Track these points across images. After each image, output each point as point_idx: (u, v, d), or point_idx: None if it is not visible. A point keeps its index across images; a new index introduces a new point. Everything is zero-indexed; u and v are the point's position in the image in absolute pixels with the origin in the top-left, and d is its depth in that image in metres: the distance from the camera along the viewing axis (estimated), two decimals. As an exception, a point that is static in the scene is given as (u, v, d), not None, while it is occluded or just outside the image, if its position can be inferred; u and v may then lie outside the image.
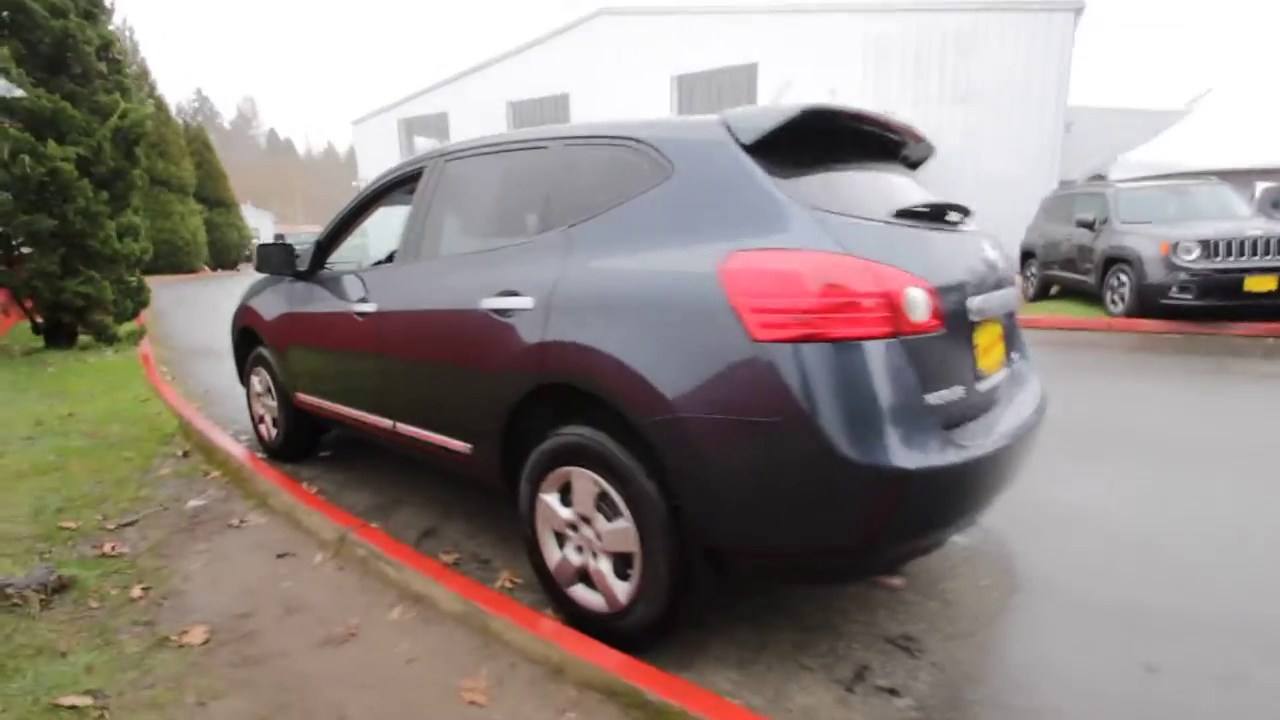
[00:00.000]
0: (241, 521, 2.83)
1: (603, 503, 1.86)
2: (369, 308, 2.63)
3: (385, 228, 3.92)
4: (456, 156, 2.51)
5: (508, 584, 2.32)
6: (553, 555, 2.04)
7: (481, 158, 2.43)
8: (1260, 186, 9.42)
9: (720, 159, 1.71)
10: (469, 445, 2.26)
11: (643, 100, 18.45)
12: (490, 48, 22.28)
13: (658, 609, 1.76)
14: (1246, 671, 1.78)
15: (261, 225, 38.66)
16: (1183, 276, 6.55)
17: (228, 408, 4.93)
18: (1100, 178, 14.12)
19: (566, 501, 1.98)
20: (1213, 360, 5.63)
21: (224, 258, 27.77)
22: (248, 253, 31.06)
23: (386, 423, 2.66)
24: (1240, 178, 8.85)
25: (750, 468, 1.51)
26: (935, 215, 1.89)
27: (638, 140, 1.88)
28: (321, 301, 3.03)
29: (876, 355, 1.48)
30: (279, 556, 2.50)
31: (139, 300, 7.19)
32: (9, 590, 2.10)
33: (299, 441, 3.59)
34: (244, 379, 3.92)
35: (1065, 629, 2.01)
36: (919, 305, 1.53)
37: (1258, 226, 6.64)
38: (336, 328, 2.87)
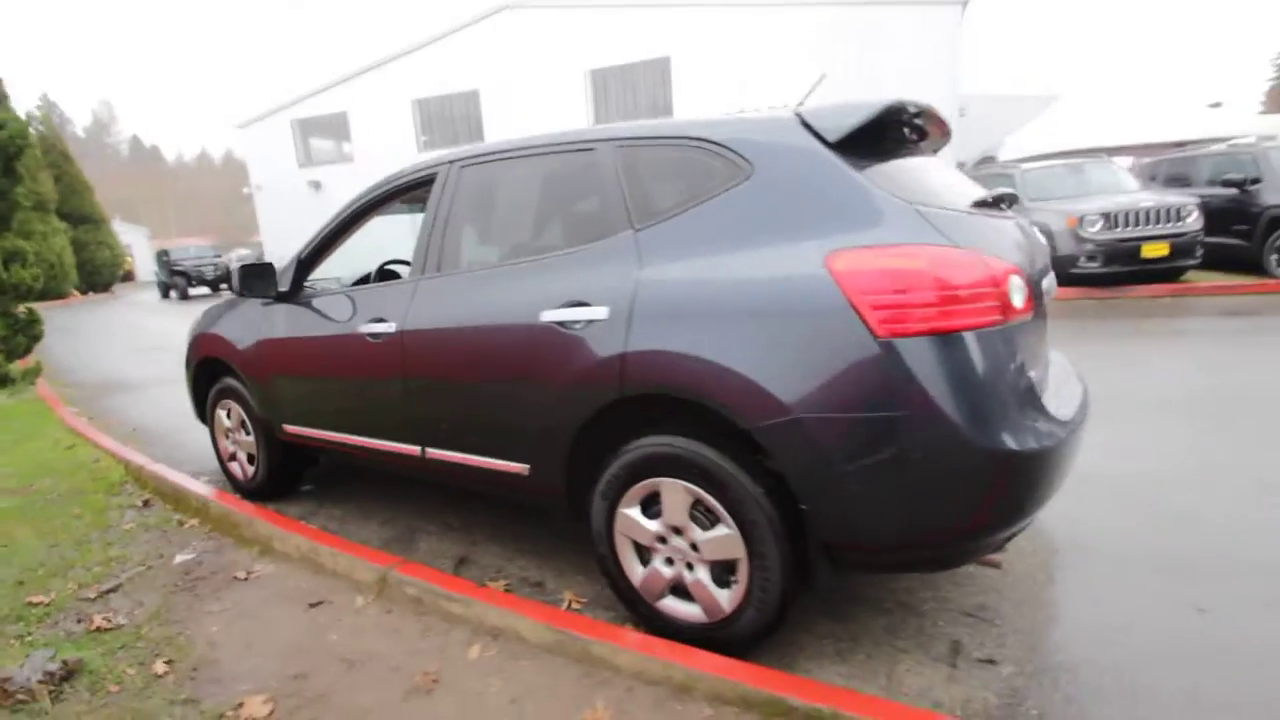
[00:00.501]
0: (249, 573, 2.57)
1: (697, 511, 1.83)
2: (385, 328, 2.44)
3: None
4: (476, 161, 2.37)
5: (574, 604, 2.23)
6: (635, 570, 1.99)
7: (509, 162, 2.30)
8: (1128, 161, 10.49)
9: (806, 158, 1.70)
10: (526, 466, 2.15)
11: (557, 95, 18.22)
12: (388, 43, 21.13)
13: (768, 612, 1.75)
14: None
15: (135, 242, 35.10)
16: (1089, 247, 7.21)
17: (166, 446, 4.46)
18: (990, 159, 15.33)
19: (651, 514, 1.92)
20: (1129, 322, 6.26)
21: (95, 280, 25.10)
22: (123, 272, 28.21)
23: (412, 450, 2.49)
24: (1101, 155, 9.79)
25: (877, 462, 1.53)
26: (995, 203, 1.98)
27: (707, 141, 1.84)
28: (314, 325, 2.79)
29: (991, 342, 1.54)
30: (312, 606, 2.29)
31: (32, 335, 6.33)
32: (9, 687, 1.81)
33: (282, 478, 3.30)
34: (205, 415, 3.56)
35: (1110, 580, 2.17)
36: (1020, 291, 1.60)
37: (1149, 198, 7.42)
38: (340, 352, 2.65)
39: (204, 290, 21.15)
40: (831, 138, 1.70)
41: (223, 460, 3.51)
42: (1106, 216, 7.16)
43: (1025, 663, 1.83)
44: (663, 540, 1.91)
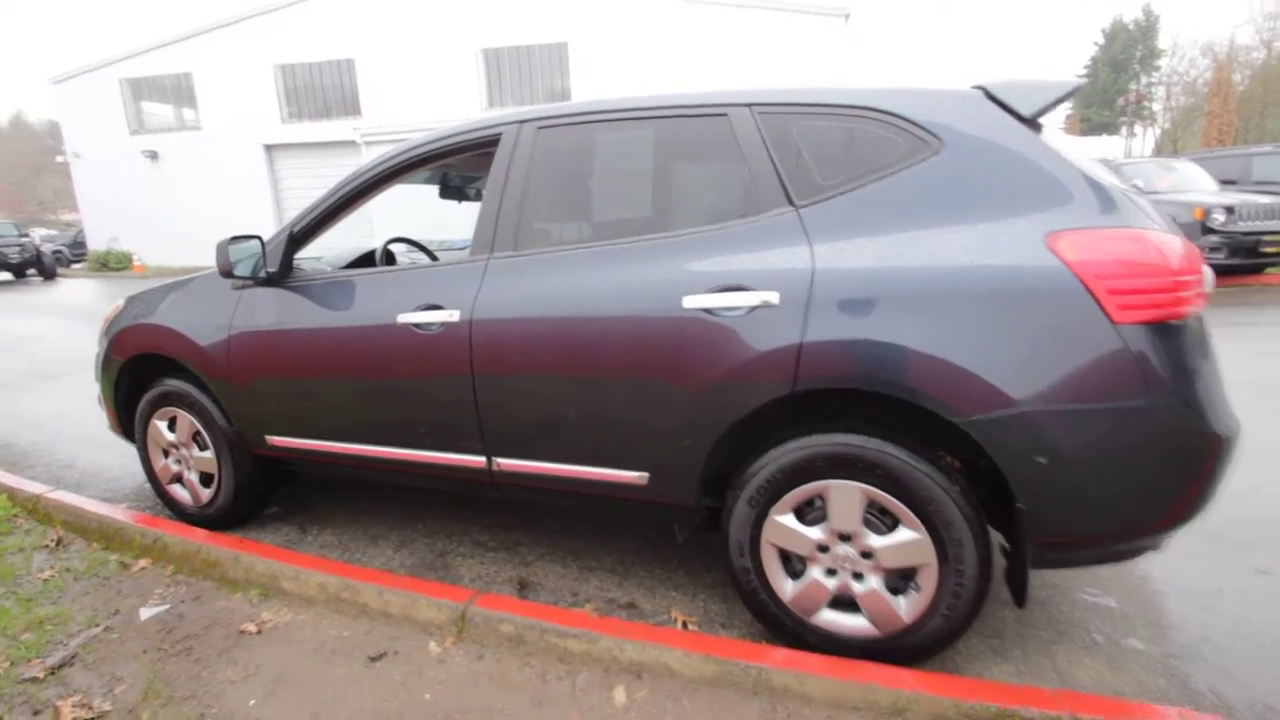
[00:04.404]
0: (259, 624, 2.05)
1: (872, 515, 1.68)
2: (443, 317, 2.04)
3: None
4: (560, 123, 2.03)
5: (687, 625, 2.00)
6: (784, 584, 1.81)
7: (607, 125, 1.99)
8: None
9: (1003, 134, 1.60)
10: (643, 474, 1.89)
11: (445, 71, 17.14)
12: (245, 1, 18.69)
13: (958, 619, 1.64)
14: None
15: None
16: (1215, 239, 7.47)
17: (44, 465, 3.59)
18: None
19: (808, 520, 1.75)
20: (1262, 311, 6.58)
21: None
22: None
23: (474, 462, 2.11)
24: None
25: (1109, 454, 1.46)
26: None
27: (884, 112, 1.68)
28: (320, 314, 2.28)
29: (1201, 328, 1.53)
30: (374, 660, 1.86)
31: None
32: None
33: (250, 500, 2.72)
34: (133, 427, 2.85)
35: (1177, 552, 2.30)
36: (1210, 279, 1.61)
37: (1265, 196, 7.76)
38: (368, 347, 2.19)
39: (6, 276, 17.58)
40: (1026, 113, 1.61)
41: (160, 482, 2.82)
42: (1229, 210, 7.43)
43: (1164, 641, 1.88)
44: (823, 549, 1.74)
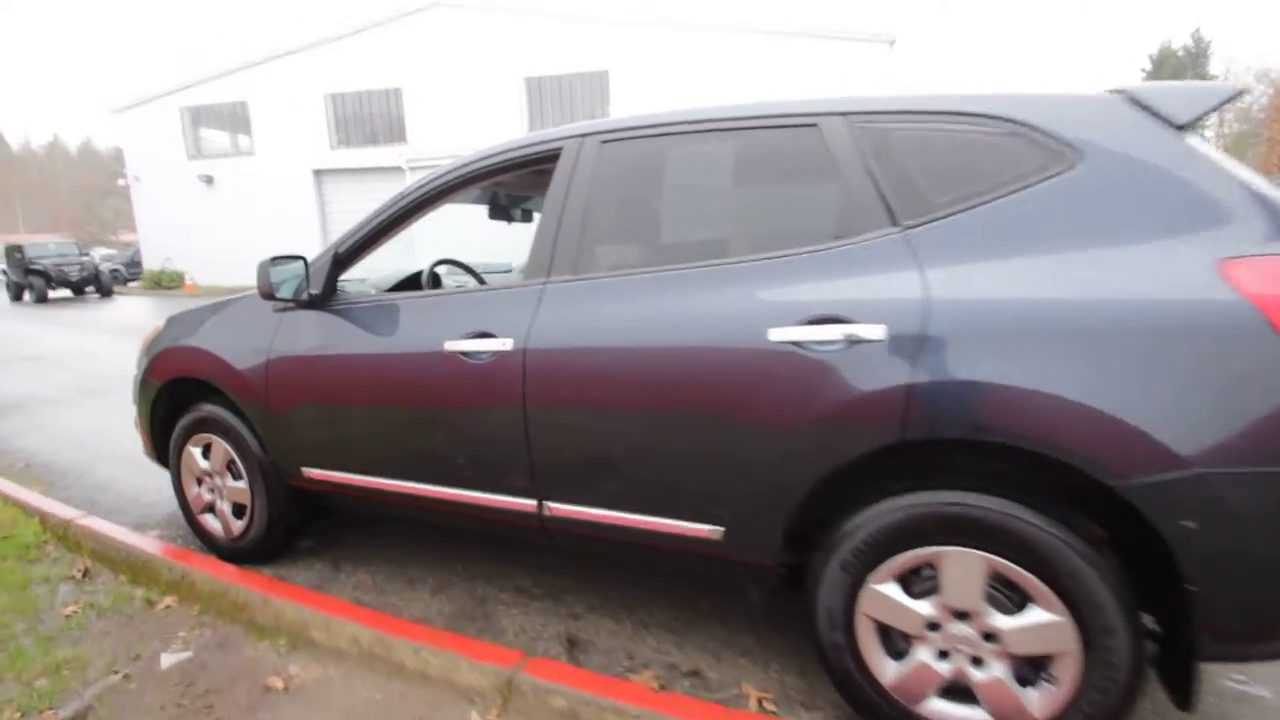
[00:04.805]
0: (286, 680, 1.87)
1: (996, 590, 1.42)
2: (495, 345, 1.86)
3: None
4: (627, 136, 1.86)
5: (764, 705, 1.75)
6: (883, 665, 1.55)
7: (679, 139, 1.81)
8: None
9: (1152, 144, 1.37)
10: (717, 529, 1.66)
11: (489, 99, 17.45)
12: (297, 31, 19.45)
13: (1104, 719, 1.36)
14: None
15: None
16: None
17: (81, 487, 3.51)
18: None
19: (916, 591, 1.50)
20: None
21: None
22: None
23: (523, 505, 1.91)
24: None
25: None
26: None
27: (1009, 120, 1.46)
28: (363, 339, 2.13)
29: None
30: (409, 730, 1.65)
31: None
32: None
33: (282, 534, 2.56)
34: (166, 452, 2.74)
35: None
36: None
37: None
38: (413, 375, 2.02)
39: (65, 293, 18.34)
40: (1181, 120, 1.38)
41: (192, 511, 2.69)
42: None
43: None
44: (933, 626, 1.48)
